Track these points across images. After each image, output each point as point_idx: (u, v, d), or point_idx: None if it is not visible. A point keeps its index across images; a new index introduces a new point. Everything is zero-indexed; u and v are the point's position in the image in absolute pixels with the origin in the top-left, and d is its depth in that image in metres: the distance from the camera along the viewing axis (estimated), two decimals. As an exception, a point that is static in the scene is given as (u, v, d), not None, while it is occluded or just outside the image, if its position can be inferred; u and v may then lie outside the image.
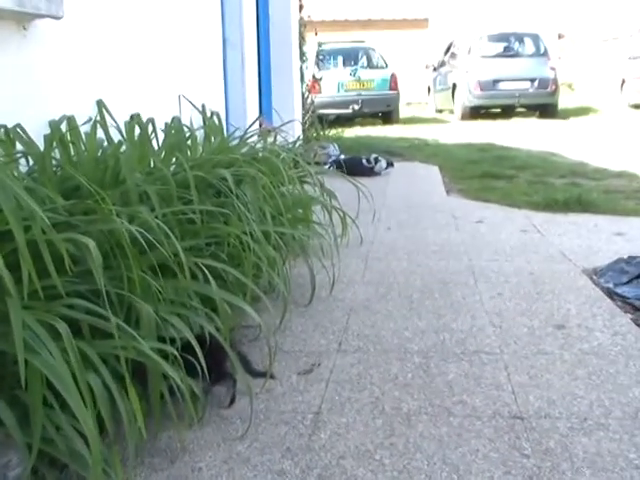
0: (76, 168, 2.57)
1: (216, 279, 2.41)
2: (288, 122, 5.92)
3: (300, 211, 4.21)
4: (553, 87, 17.03)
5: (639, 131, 12.67)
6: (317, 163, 6.44)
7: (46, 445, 1.75)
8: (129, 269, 2.05)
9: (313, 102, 10.93)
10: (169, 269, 2.30)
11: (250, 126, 5.19)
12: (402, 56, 22.58)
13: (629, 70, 17.80)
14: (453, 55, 19.08)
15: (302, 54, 10.21)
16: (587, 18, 23.34)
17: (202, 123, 4.55)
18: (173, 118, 3.96)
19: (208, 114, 4.66)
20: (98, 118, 3.27)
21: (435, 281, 3.89)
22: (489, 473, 2.02)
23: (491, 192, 6.85)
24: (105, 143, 3.14)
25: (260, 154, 4.11)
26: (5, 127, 2.58)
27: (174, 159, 3.35)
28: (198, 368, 2.11)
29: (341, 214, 4.45)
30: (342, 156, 8.57)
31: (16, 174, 2.36)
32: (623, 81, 18.05)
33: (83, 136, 3.03)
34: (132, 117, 3.48)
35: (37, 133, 2.75)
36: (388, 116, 16.81)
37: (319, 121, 10.71)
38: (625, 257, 4.07)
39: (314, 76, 12.33)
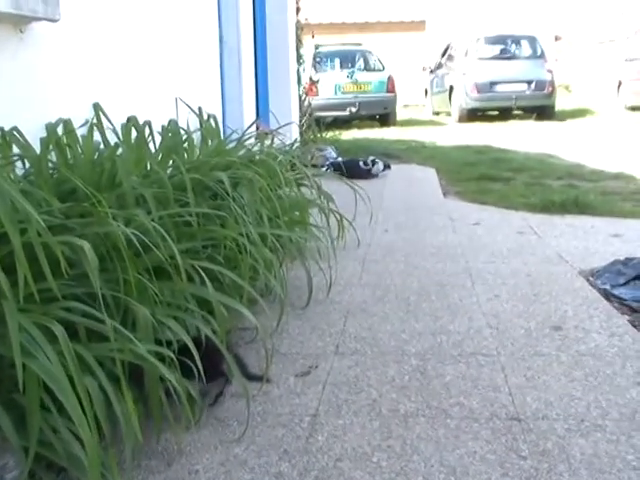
0: (72, 171, 2.56)
1: (213, 282, 2.41)
2: (285, 125, 5.93)
3: (297, 213, 4.21)
4: (550, 89, 17.04)
5: (636, 133, 12.68)
6: (314, 166, 6.44)
7: (43, 448, 1.75)
8: (125, 272, 2.05)
9: (310, 104, 10.93)
10: (165, 272, 2.30)
11: (247, 129, 5.19)
12: (399, 58, 22.60)
13: (626, 72, 17.81)
14: (450, 57, 19.08)
15: (299, 57, 10.22)
16: (584, 20, 23.38)
17: (199, 126, 4.54)
18: (170, 121, 3.96)
19: (205, 117, 4.66)
20: (95, 121, 3.27)
21: (432, 283, 3.89)
22: (486, 475, 2.02)
23: (488, 194, 6.85)
24: (102, 146, 3.14)
25: (257, 157, 4.11)
26: (2, 130, 2.58)
27: (171, 162, 3.35)
28: (195, 370, 2.11)
29: (338, 216, 4.46)
30: (339, 158, 8.57)
31: (12, 177, 2.36)
32: (620, 83, 18.06)
33: (80, 139, 3.03)
34: (129, 120, 3.48)
35: (34, 136, 2.75)
36: (385, 118, 16.82)
37: (316, 123, 10.71)
38: (622, 259, 4.07)
39: (311, 78, 12.35)
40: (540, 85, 16.95)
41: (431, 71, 20.92)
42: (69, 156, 2.86)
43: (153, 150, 3.47)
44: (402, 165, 9.41)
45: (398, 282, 3.94)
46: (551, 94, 17.09)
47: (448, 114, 18.38)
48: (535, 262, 4.29)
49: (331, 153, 8.74)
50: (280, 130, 5.36)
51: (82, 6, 3.37)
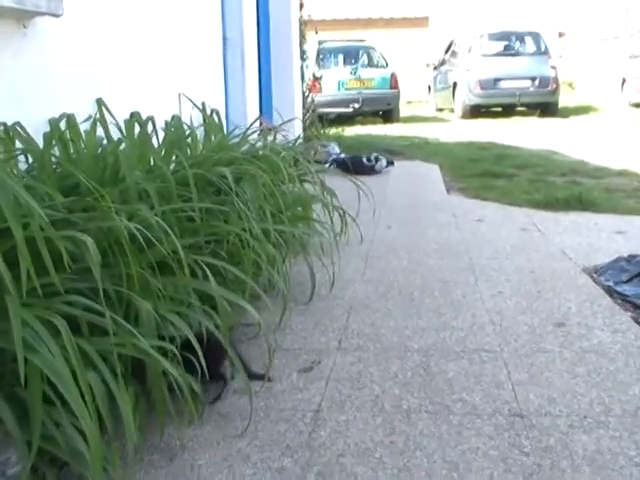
0: (75, 166, 2.56)
1: (215, 277, 2.41)
2: (288, 121, 5.92)
3: (300, 209, 4.20)
4: (554, 86, 17.01)
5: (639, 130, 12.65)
6: (317, 162, 6.43)
7: (46, 443, 1.75)
8: (128, 266, 2.04)
9: (313, 101, 10.93)
10: (168, 267, 2.30)
11: (251, 125, 5.19)
12: (402, 55, 22.61)
13: (630, 69, 17.78)
14: (454, 54, 19.06)
15: (302, 53, 10.21)
16: (588, 17, 23.33)
17: (202, 121, 4.54)
18: (173, 116, 3.95)
19: (208, 112, 4.65)
20: (98, 116, 3.27)
21: (435, 279, 3.89)
22: (489, 471, 2.02)
23: (491, 191, 6.85)
24: (105, 141, 3.14)
25: (260, 152, 4.11)
26: (5, 125, 2.58)
27: (174, 157, 3.35)
28: (197, 366, 2.11)
29: (341, 212, 4.45)
30: (342, 155, 8.57)
31: (15, 172, 2.36)
32: (624, 80, 18.03)
33: (83, 134, 3.03)
34: (132, 115, 3.48)
35: (37, 131, 2.75)
36: (388, 115, 16.78)
37: (319, 120, 10.70)
38: (625, 256, 4.07)
39: (314, 75, 12.35)
40: (544, 82, 16.93)
41: (434, 67, 20.90)
42: (72, 151, 2.86)
43: (156, 145, 3.47)
44: (405, 161, 9.40)
45: (401, 278, 3.94)
46: (555, 91, 17.07)
47: (451, 110, 18.36)
48: (538, 259, 4.28)
49: (334, 149, 8.74)
50: (283, 126, 5.35)
51: (85, 1, 3.37)
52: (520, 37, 18.02)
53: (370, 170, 7.94)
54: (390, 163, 8.44)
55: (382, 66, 17.50)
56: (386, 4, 25.65)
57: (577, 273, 3.96)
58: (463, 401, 2.45)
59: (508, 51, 17.65)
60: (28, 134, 2.67)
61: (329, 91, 15.57)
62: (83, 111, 3.19)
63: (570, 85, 22.48)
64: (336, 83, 16.41)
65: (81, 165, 2.66)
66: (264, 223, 3.21)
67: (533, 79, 16.95)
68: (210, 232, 2.83)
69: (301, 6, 9.96)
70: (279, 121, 5.77)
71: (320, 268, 3.70)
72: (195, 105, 4.58)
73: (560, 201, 5.97)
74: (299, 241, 3.67)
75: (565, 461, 2.06)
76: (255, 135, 4.79)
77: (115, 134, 3.26)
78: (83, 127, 3.08)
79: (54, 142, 2.76)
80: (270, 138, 4.93)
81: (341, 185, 4.78)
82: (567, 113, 16.92)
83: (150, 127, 3.45)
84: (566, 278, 3.86)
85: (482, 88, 16.89)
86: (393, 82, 16.85)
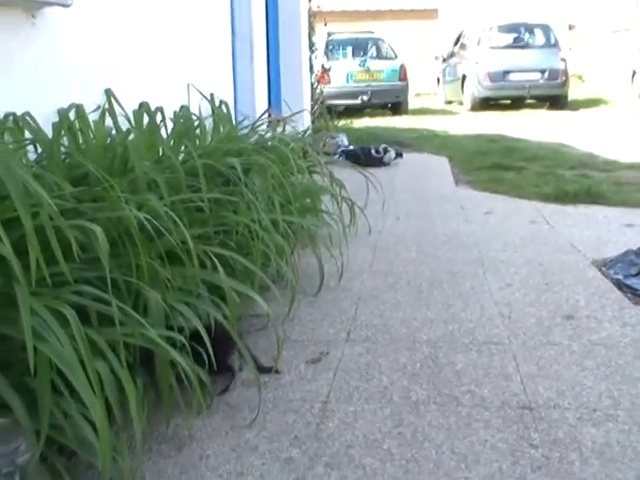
0: (84, 156, 2.56)
1: (224, 268, 2.41)
2: (297, 112, 5.91)
3: (309, 200, 4.20)
4: (563, 78, 16.92)
5: (650, 123, 12.60)
6: (326, 153, 6.42)
7: (54, 432, 1.75)
8: (137, 257, 2.04)
9: (322, 92, 10.91)
10: (177, 257, 2.30)
11: (260, 116, 5.18)
12: (411, 47, 22.53)
13: (640, 62, 17.70)
14: (463, 46, 18.98)
15: (311, 44, 10.19)
16: (598, 9, 23.20)
17: (211, 112, 4.54)
18: (182, 107, 3.95)
19: (217, 103, 4.65)
20: (106, 107, 3.27)
21: (444, 271, 3.88)
22: (497, 463, 2.02)
23: (500, 183, 6.82)
24: (113, 131, 3.14)
25: (269, 143, 4.10)
26: (14, 115, 2.58)
27: (183, 147, 3.35)
28: (205, 357, 2.11)
29: (350, 204, 4.45)
30: (351, 146, 8.56)
31: (24, 161, 2.36)
32: (634, 72, 17.92)
33: (92, 124, 3.02)
34: (141, 106, 3.47)
35: (46, 121, 2.75)
36: (397, 107, 16.72)
37: (328, 112, 10.68)
38: (635, 249, 4.05)
39: (323, 66, 12.33)
40: (553, 74, 16.84)
41: (443, 60, 20.81)
42: (81, 141, 2.86)
43: (165, 136, 3.47)
44: (414, 153, 9.38)
45: (409, 270, 3.93)
46: (564, 83, 16.98)
47: (460, 103, 18.29)
48: (547, 251, 4.27)
49: (343, 141, 8.73)
50: (292, 118, 5.34)
51: (95, -9, 3.37)
52: (530, 29, 17.92)
53: (379, 162, 7.92)
54: (399, 155, 8.42)
55: (391, 58, 17.44)
56: (395, -4, 25.60)
57: (586, 266, 3.95)
58: (472, 393, 2.45)
59: (517, 43, 17.56)
60: (37, 124, 2.67)
61: (338, 83, 15.53)
62: (92, 101, 3.19)
63: (580, 78, 22.37)
64: (345, 75, 16.36)
65: (90, 155, 2.66)
66: (273, 214, 3.21)
67: (542, 71, 16.86)
68: (219, 223, 2.83)
69: (310, -2, 9.95)
70: (288, 112, 5.76)
71: (328, 259, 3.69)
72: (204, 96, 4.57)
73: (569, 194, 5.95)
74: (308, 232, 3.67)
75: (574, 454, 2.05)
76: (264, 126, 4.78)
77: (124, 125, 3.26)
78: (92, 117, 3.08)
79: (63, 132, 2.76)
80: (279, 129, 4.92)
81: (349, 177, 4.77)
82: (577, 106, 16.84)
83: (159, 118, 3.45)
84: (575, 271, 3.85)
85: (491, 80, 16.82)
86: (402, 74, 16.79)
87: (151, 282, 2.10)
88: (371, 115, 16.06)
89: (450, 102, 19.76)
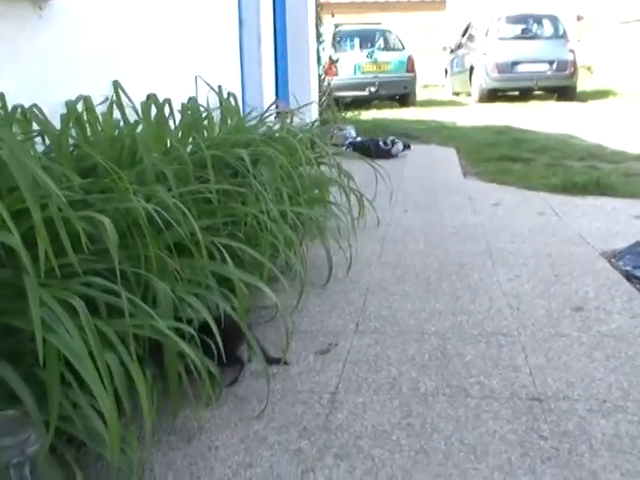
0: (92, 148, 2.56)
1: (233, 259, 2.40)
2: (305, 105, 5.90)
3: (317, 192, 4.19)
4: (572, 69, 16.84)
5: (659, 114, 12.54)
6: (334, 145, 6.41)
7: (64, 423, 1.75)
8: (146, 248, 2.04)
9: (329, 84, 10.89)
10: (186, 248, 2.29)
11: (268, 108, 5.18)
12: (419, 38, 22.45)
13: (650, 52, 17.60)
14: (470, 37, 18.91)
15: (319, 36, 10.17)
16: (607, 0, 23.07)
17: (218, 104, 4.53)
18: (190, 98, 3.94)
19: (224, 95, 4.64)
20: (114, 98, 3.26)
21: (452, 263, 3.88)
22: (506, 454, 2.01)
23: (508, 175, 6.81)
24: (121, 123, 3.13)
25: (277, 134, 4.10)
26: (22, 107, 2.57)
27: (191, 139, 3.34)
28: (214, 349, 2.11)
29: (358, 195, 4.44)
30: (359, 138, 8.54)
31: (33, 153, 2.36)
32: (643, 64, 17.85)
33: (99, 116, 3.02)
34: (148, 97, 3.47)
35: (54, 113, 2.74)
36: (405, 98, 16.68)
37: (335, 103, 10.67)
38: (644, 240, 4.04)
39: (331, 58, 12.29)
40: (562, 65, 16.76)
41: (451, 51, 20.74)
42: (89, 133, 2.86)
43: (173, 128, 3.46)
44: (422, 145, 9.37)
45: (418, 261, 3.93)
46: (573, 75, 16.90)
47: (468, 94, 18.23)
48: (556, 243, 4.26)
49: (351, 133, 8.72)
50: (300, 109, 5.33)
51: (102, -18, 3.37)
52: (538, 20, 17.84)
53: (387, 154, 7.91)
54: (406, 147, 8.41)
55: (398, 49, 17.39)
56: (403, -13, 25.50)
57: (595, 257, 3.94)
58: (480, 384, 2.44)
59: (526, 34, 17.48)
60: (45, 116, 2.67)
61: (345, 74, 15.50)
62: (100, 93, 3.19)
63: (589, 69, 22.26)
64: (352, 66, 16.32)
65: (98, 147, 2.65)
66: (281, 205, 3.20)
67: (551, 63, 16.78)
68: (227, 214, 2.83)
69: (318, -12, 9.92)
70: (295, 104, 5.74)
71: (337, 251, 3.69)
72: (211, 88, 4.57)
73: (578, 185, 5.93)
74: (316, 224, 3.66)
75: (583, 445, 2.05)
76: (272, 118, 4.77)
77: (132, 117, 3.26)
78: (100, 109, 3.07)
79: (71, 124, 2.75)
80: (287, 121, 4.91)
81: (357, 169, 4.76)
82: (585, 97, 16.76)
83: (167, 109, 3.44)
84: (584, 262, 3.84)
85: (499, 72, 16.75)
86: (409, 65, 16.75)
87: (160, 273, 2.10)
88: (379, 107, 16.03)
89: (458, 93, 19.71)
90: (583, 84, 18.23)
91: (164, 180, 2.53)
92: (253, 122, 4.50)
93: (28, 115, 2.58)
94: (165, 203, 2.23)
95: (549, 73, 16.78)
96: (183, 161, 2.75)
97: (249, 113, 4.87)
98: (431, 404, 2.31)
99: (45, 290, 1.68)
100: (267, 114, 4.79)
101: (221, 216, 2.78)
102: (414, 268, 3.80)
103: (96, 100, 3.06)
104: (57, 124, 2.71)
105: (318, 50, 10.00)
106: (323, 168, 4.43)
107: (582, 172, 6.72)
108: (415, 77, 16.94)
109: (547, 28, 17.79)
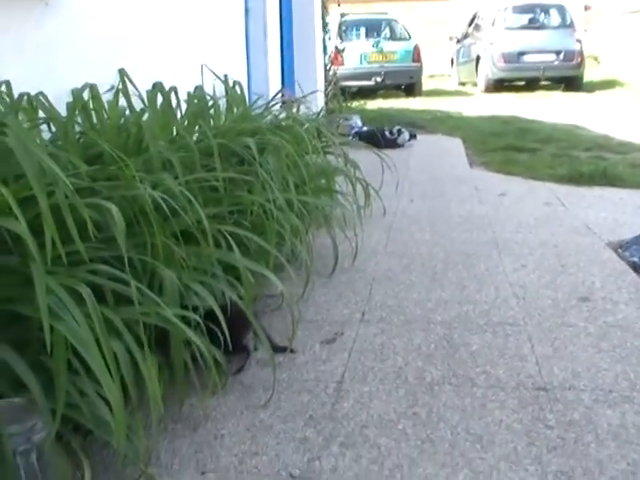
0: (99, 135, 2.55)
1: (239, 247, 2.40)
2: (311, 93, 5.89)
3: (323, 181, 4.19)
4: (579, 60, 16.76)
5: (666, 105, 12.49)
6: (340, 134, 6.40)
7: (70, 411, 1.75)
8: (152, 236, 2.04)
9: (335, 73, 10.86)
10: (192, 236, 2.29)
11: (274, 97, 5.17)
12: (425, 28, 22.36)
13: (657, 43, 17.51)
14: (477, 27, 18.83)
15: (325, 25, 10.14)
16: (614, -11, 22.96)
17: (224, 93, 4.52)
18: (196, 87, 3.94)
19: (230, 84, 4.63)
20: (120, 87, 3.26)
21: (458, 253, 3.87)
22: (512, 444, 2.01)
23: (514, 165, 6.78)
24: (127, 111, 3.13)
25: (283, 123, 4.09)
26: (28, 95, 2.57)
27: (197, 127, 3.34)
28: (220, 336, 2.10)
29: (364, 185, 4.43)
30: (365, 128, 8.52)
31: (39, 141, 2.36)
32: (650, 54, 17.77)
33: (105, 104, 3.02)
34: (154, 86, 3.46)
35: (60, 101, 2.74)
36: (411, 88, 16.63)
37: (341, 93, 10.64)
38: (651, 230, 4.03)
39: (337, 47, 12.25)
40: (569, 55, 16.68)
41: (457, 41, 20.66)
42: (95, 121, 2.85)
43: (179, 116, 3.46)
44: (428, 135, 9.34)
45: (424, 251, 3.92)
46: (580, 65, 16.82)
47: (474, 84, 18.16)
48: (562, 233, 4.25)
49: (357, 122, 8.71)
50: (306, 99, 5.32)
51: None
52: (545, 10, 17.75)
53: (393, 143, 7.89)
54: (412, 137, 8.38)
55: (405, 39, 17.32)
56: (409, -24, 25.38)
57: (601, 248, 3.92)
58: (487, 374, 2.44)
59: (532, 24, 17.39)
60: (51, 104, 2.67)
61: (351, 64, 15.43)
62: (106, 81, 3.18)
63: (595, 59, 22.17)
64: (358, 56, 16.27)
65: (104, 135, 2.65)
66: (287, 194, 3.20)
67: (558, 53, 16.70)
68: (234, 202, 2.82)
69: (324, -22, 9.89)
70: (301, 93, 5.74)
71: (343, 240, 3.69)
72: (217, 76, 4.56)
73: (584, 176, 5.92)
74: (322, 213, 3.66)
75: (589, 435, 2.05)
76: (278, 106, 4.76)
77: (137, 105, 3.25)
78: (106, 97, 3.07)
79: (77, 112, 2.75)
80: (293, 110, 4.91)
81: (363, 158, 4.75)
82: (592, 87, 16.69)
83: (173, 98, 3.44)
84: (590, 253, 3.83)
85: (506, 62, 16.69)
86: (416, 55, 16.70)
87: (166, 261, 2.10)
88: (385, 96, 15.97)
89: (464, 83, 19.64)
90: (590, 74, 18.15)
91: (170, 168, 2.53)
92: (259, 111, 4.49)
93: (34, 103, 2.58)
94: (171, 191, 2.23)
95: (556, 63, 16.70)
96: (189, 149, 2.75)
97: (255, 102, 4.86)
98: (437, 393, 2.31)
99: (52, 278, 1.68)
100: (273, 103, 4.77)
101: (227, 204, 2.77)
102: (420, 257, 3.80)
103: (102, 88, 3.06)
104: (63, 112, 2.71)
105: (324, 39, 9.98)
106: (329, 157, 4.42)
107: (589, 162, 6.69)
108: (421, 67, 16.89)
109: (554, 18, 17.70)
